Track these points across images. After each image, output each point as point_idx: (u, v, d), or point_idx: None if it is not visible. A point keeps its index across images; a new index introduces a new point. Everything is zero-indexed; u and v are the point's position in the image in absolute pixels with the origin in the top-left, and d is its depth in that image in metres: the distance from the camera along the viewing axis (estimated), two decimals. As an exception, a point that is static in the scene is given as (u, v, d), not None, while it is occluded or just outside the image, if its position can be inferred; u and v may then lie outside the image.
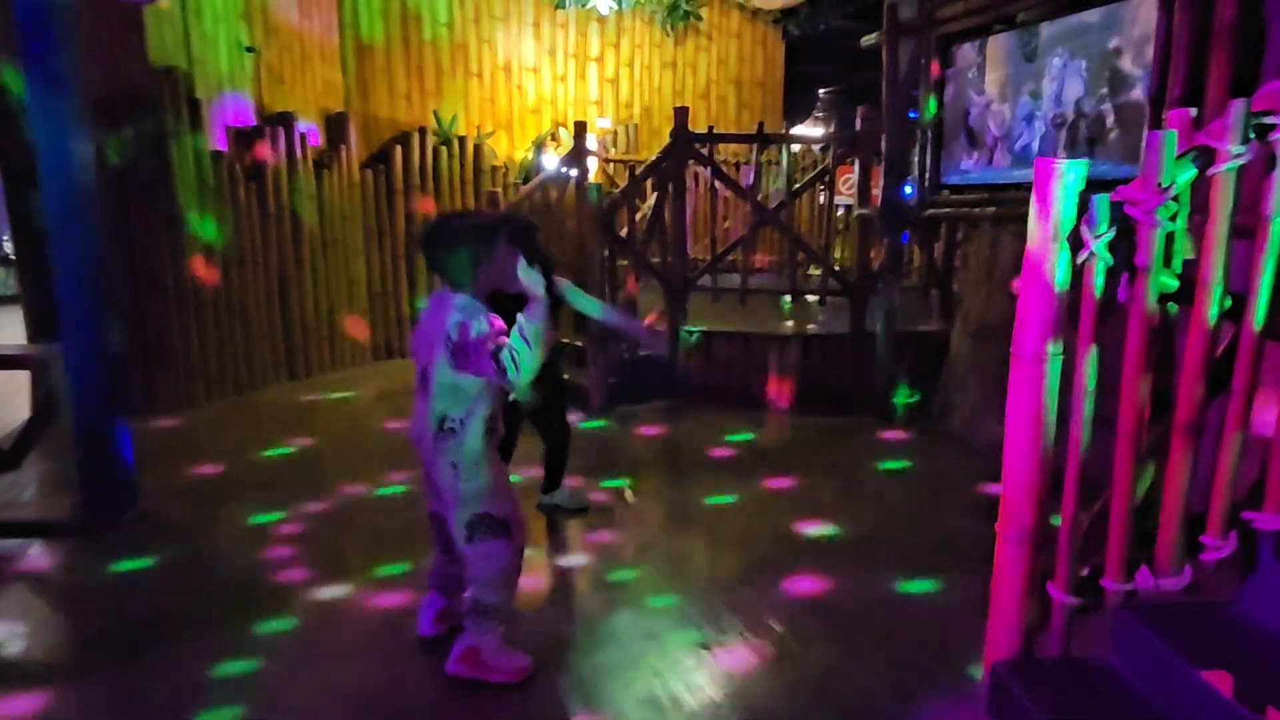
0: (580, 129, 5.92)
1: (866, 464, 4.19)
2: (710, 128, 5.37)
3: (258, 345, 5.73)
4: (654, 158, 5.14)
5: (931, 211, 4.34)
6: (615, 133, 8.06)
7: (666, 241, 5.24)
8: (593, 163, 7.19)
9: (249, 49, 5.73)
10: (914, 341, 5.08)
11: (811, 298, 5.88)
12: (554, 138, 7.59)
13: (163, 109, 4.95)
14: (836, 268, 5.79)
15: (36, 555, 3.09)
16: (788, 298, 5.88)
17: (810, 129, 9.43)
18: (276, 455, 4.39)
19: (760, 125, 5.35)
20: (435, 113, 7.00)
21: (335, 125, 6.50)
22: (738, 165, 7.36)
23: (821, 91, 10.40)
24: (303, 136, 5.98)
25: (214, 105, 5.43)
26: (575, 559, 3.20)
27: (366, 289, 6.65)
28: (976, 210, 4.06)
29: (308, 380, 6.06)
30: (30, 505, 3.42)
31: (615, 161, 7.58)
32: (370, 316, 6.70)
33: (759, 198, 5.73)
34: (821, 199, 6.62)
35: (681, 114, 5.12)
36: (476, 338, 2.08)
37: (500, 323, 2.17)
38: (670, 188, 5.16)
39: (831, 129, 9.11)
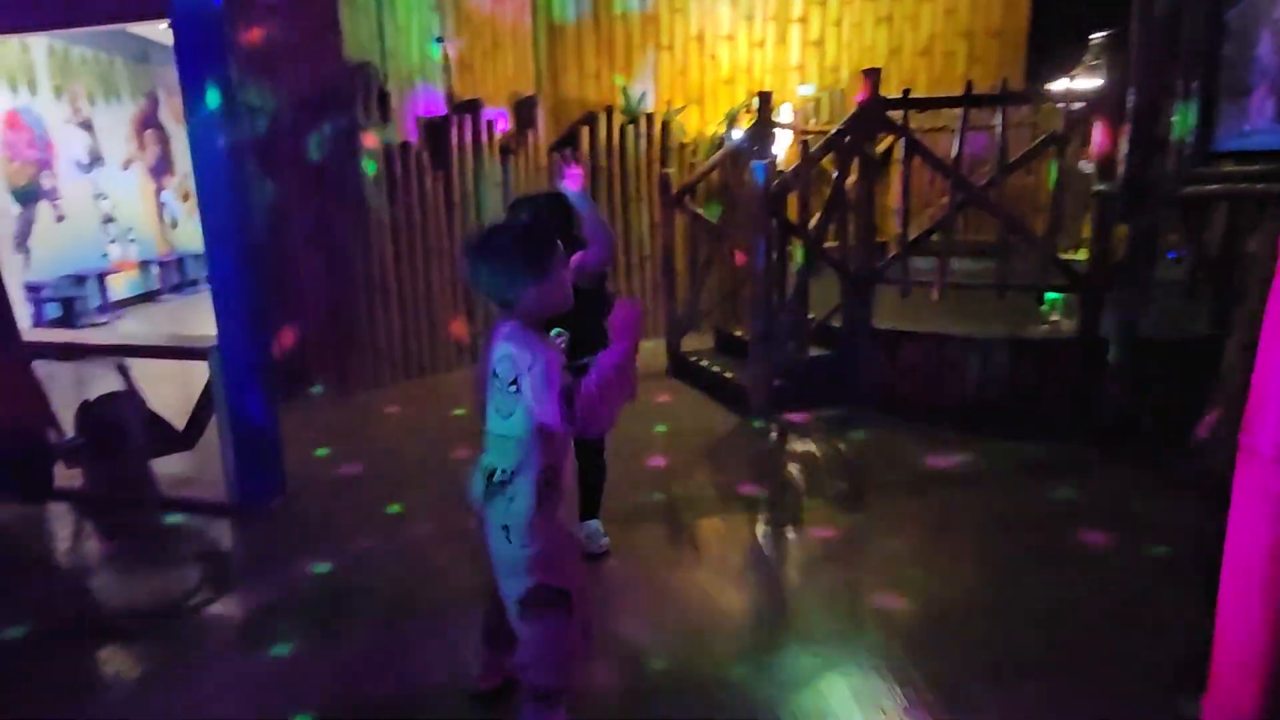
0: (765, 99, 5.37)
1: (1079, 517, 3.32)
2: (905, 91, 4.56)
3: (442, 330, 5.93)
4: (835, 129, 4.48)
5: (1196, 188, 3.29)
6: (818, 100, 7.33)
7: (849, 226, 4.58)
8: (788, 136, 6.59)
9: (438, 39, 5.86)
10: (1169, 352, 3.99)
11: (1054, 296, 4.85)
12: (749, 110, 7.04)
13: (355, 103, 5.19)
14: (1073, 255, 4.73)
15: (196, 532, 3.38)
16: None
17: (1081, 81, 7.93)
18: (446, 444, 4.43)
19: (968, 85, 4.46)
20: (624, 88, 6.78)
21: (523, 109, 6.51)
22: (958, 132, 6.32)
23: (1093, 37, 8.75)
24: (490, 123, 6.04)
25: (405, 96, 5.62)
26: (686, 620, 2.81)
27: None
28: (1261, 185, 2.99)
29: (489, 364, 6.18)
30: (196, 484, 3.70)
31: (814, 133, 6.88)
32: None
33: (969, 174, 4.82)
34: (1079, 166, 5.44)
35: (872, 76, 4.40)
36: (536, 374, 1.74)
37: (558, 355, 1.82)
38: (856, 163, 4.47)
39: (1107, 80, 7.56)
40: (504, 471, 1.85)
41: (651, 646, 2.47)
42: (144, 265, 10.04)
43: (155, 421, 3.71)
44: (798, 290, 4.56)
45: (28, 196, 8.17)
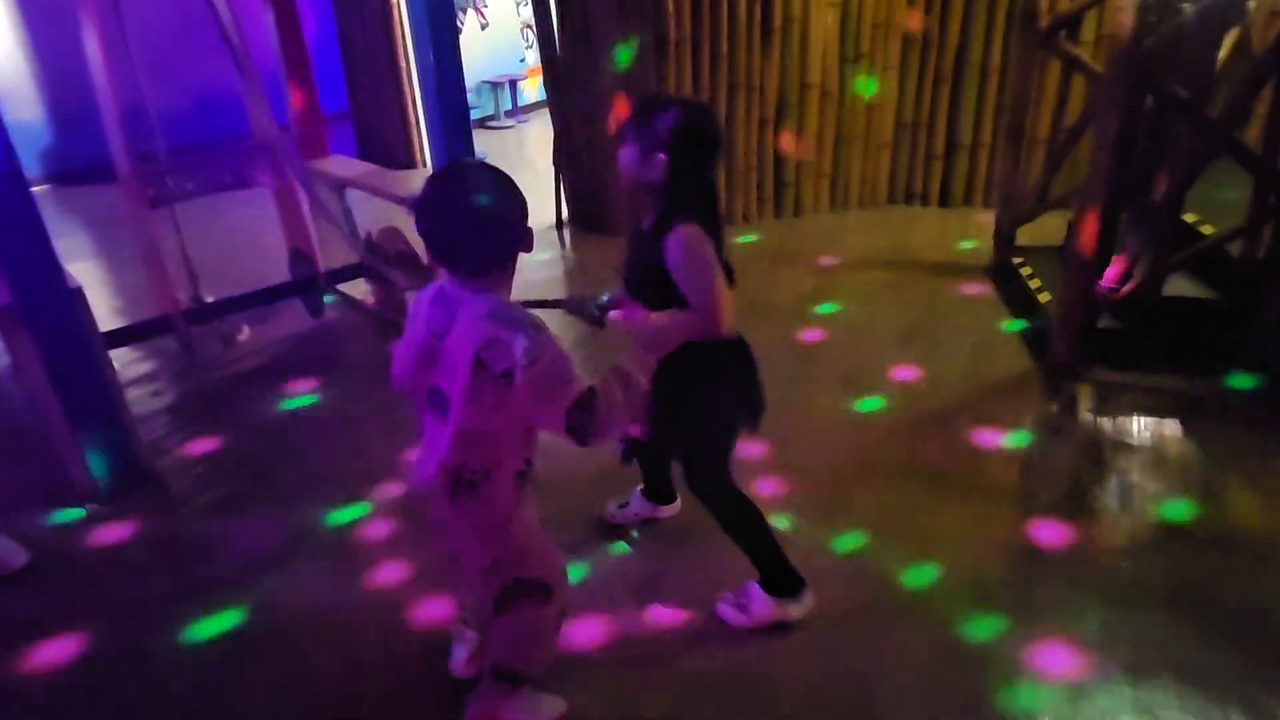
0: None
1: None
2: None
3: (741, 180, 5.37)
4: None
5: None
6: None
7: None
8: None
9: None
10: None
11: None
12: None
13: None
14: None
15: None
16: None
17: None
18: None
19: None
20: None
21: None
22: None
23: None
24: (833, -78, 4.89)
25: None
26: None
27: (895, 118, 5.47)
28: None
29: (795, 221, 5.51)
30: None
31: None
32: (893, 152, 5.58)
33: None
34: None
35: None
36: (541, 372, 1.41)
37: (557, 346, 1.47)
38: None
39: None
40: (475, 470, 1.55)
41: None
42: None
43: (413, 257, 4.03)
44: (1171, 193, 3.02)
45: (459, 5, 9.18)
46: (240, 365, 3.81)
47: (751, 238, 5.23)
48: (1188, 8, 2.73)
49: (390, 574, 2.42)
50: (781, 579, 2.10)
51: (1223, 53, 2.87)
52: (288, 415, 3.36)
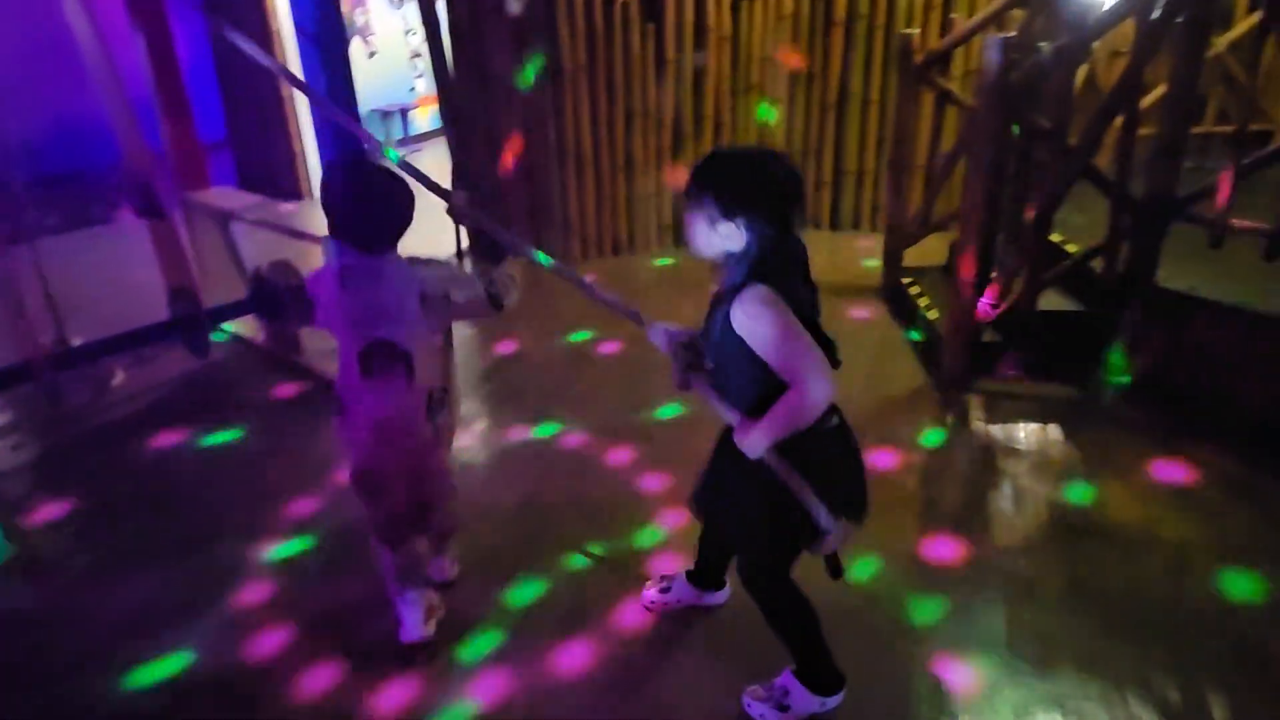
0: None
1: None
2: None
3: (642, 207, 5.45)
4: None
5: None
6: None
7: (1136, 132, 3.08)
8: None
9: None
10: None
11: None
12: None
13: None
14: None
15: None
16: None
17: None
18: (578, 341, 4.15)
19: None
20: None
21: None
22: None
23: None
24: (721, -40, 5.07)
25: (619, -67, 4.87)
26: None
27: (785, 146, 5.69)
28: None
29: (694, 247, 5.62)
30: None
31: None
32: (784, 178, 5.79)
33: None
34: None
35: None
36: (464, 278, 1.98)
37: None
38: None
39: None
40: (439, 389, 2.00)
41: None
42: (446, 100, 10.73)
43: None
44: (1039, 216, 3.26)
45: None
46: (114, 413, 3.52)
47: (665, 261, 5.31)
48: (1045, 46, 2.98)
49: (278, 638, 2.27)
50: (823, 677, 1.88)
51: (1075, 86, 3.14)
52: (170, 466, 3.12)
